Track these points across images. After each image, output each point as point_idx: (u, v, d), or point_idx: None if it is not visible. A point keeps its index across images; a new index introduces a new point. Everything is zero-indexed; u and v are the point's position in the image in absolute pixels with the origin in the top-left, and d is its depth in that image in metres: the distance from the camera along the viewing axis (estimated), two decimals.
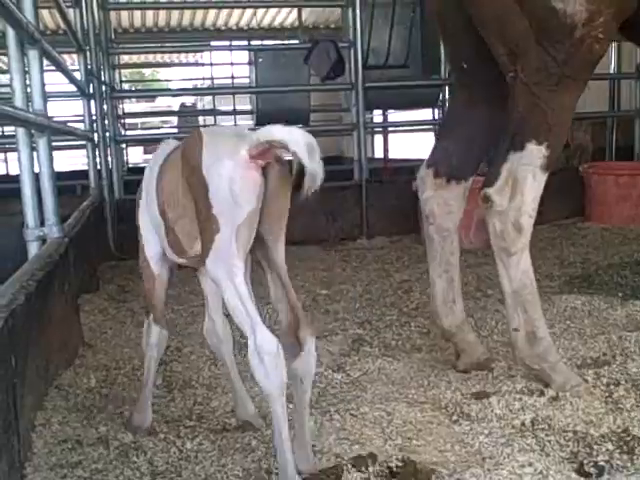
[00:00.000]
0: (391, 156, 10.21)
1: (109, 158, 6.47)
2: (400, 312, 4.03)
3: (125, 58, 13.50)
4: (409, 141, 14.48)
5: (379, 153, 11.70)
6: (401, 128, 11.90)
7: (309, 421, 2.24)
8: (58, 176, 3.83)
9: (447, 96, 8.82)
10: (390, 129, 11.03)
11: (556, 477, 2.13)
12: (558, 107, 2.67)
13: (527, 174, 2.69)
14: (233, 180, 1.93)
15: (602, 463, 2.19)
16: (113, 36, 9.89)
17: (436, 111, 10.10)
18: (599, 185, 6.75)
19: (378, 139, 12.97)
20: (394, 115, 12.40)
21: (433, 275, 3.15)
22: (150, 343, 2.60)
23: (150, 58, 15.83)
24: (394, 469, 2.21)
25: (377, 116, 11.84)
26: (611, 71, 8.06)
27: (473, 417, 2.61)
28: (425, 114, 10.96)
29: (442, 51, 7.92)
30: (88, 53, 6.20)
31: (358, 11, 6.98)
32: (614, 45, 7.71)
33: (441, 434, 2.49)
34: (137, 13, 12.63)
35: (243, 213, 1.94)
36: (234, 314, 2.01)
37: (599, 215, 6.66)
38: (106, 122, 6.44)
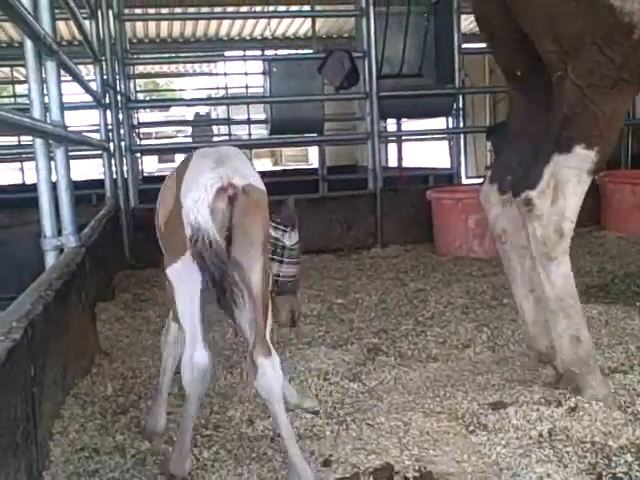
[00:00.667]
0: (405, 165, 10.21)
1: (125, 167, 6.51)
2: (416, 321, 4.02)
3: (140, 68, 13.58)
4: (423, 150, 14.49)
5: (393, 162, 11.71)
6: (415, 137, 11.88)
7: (293, 439, 2.25)
8: (74, 185, 3.85)
9: (461, 105, 8.84)
10: (404, 138, 11.03)
11: None
12: (610, 111, 2.53)
13: (572, 177, 2.58)
14: (197, 209, 2.04)
15: (621, 475, 2.19)
16: (128, 46, 9.98)
17: (450, 120, 10.08)
18: (615, 194, 6.72)
19: (392, 148, 12.98)
20: (408, 124, 12.41)
21: (519, 298, 2.96)
22: (167, 341, 2.65)
23: (164, 68, 15.94)
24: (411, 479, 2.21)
25: (390, 125, 11.86)
26: None
27: (490, 428, 2.60)
28: (439, 123, 10.94)
29: (456, 59, 7.93)
30: (104, 64, 6.24)
31: (372, 21, 7.00)
32: None
33: (458, 445, 2.48)
34: (152, 24, 12.72)
35: None
36: (181, 321, 2.22)
37: (615, 224, 6.62)
38: (122, 132, 6.48)
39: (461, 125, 9.60)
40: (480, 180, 8.89)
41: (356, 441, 2.51)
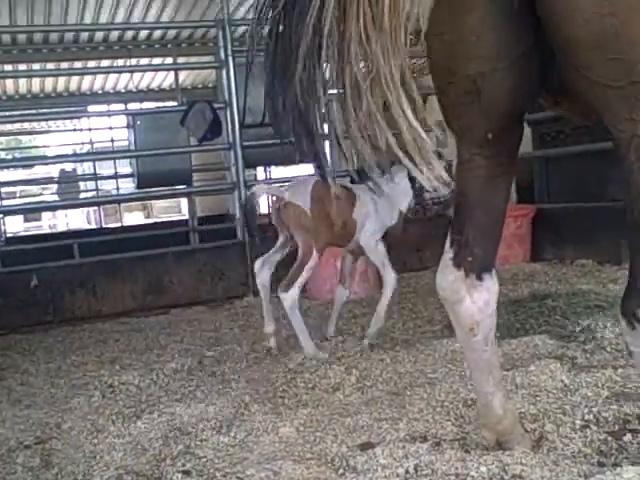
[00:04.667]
0: None
1: None
2: (286, 368, 4.01)
3: None
4: None
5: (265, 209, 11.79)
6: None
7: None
8: None
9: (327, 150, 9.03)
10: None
11: None
12: None
13: None
14: None
15: None
16: None
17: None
18: None
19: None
20: (279, 171, 12.56)
21: (482, 387, 2.61)
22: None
23: (26, 125, 15.49)
24: None
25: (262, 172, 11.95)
26: None
27: (359, 469, 2.61)
28: (308, 168, 11.13)
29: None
30: None
31: (232, 72, 7.08)
32: None
33: None
34: (9, 80, 12.37)
35: None
36: None
37: None
38: None
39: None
40: None
41: None
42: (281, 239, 4.44)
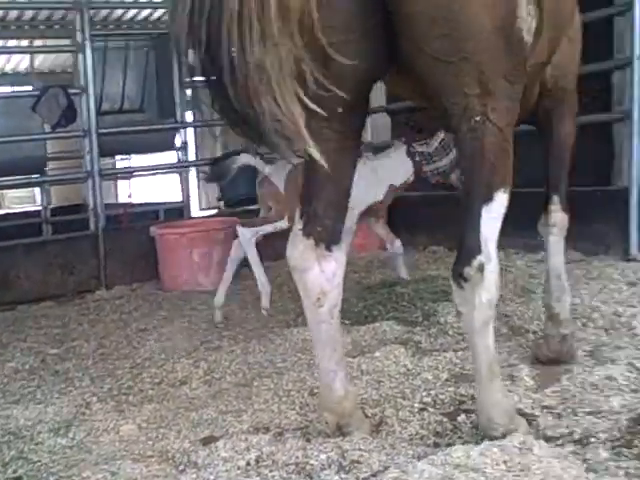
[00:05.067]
0: (138, 200, 10.05)
1: None
2: (133, 363, 3.91)
3: None
4: (159, 184, 14.34)
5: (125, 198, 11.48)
6: (146, 172, 11.69)
7: None
8: None
9: (185, 139, 8.86)
10: (136, 174, 10.85)
11: None
12: (510, 147, 2.36)
13: (495, 229, 2.34)
14: None
15: None
16: None
17: (180, 154, 10.09)
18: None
19: (125, 184, 12.71)
20: (140, 159, 12.25)
21: (325, 365, 2.61)
22: None
23: None
24: None
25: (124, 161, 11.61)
26: None
27: (200, 464, 2.57)
28: (172, 157, 10.90)
29: (178, 94, 7.93)
30: None
31: (89, 56, 6.77)
32: None
33: None
34: None
35: None
36: None
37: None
38: None
39: (189, 158, 9.61)
40: (210, 212, 8.98)
41: None
42: (262, 212, 4.64)
